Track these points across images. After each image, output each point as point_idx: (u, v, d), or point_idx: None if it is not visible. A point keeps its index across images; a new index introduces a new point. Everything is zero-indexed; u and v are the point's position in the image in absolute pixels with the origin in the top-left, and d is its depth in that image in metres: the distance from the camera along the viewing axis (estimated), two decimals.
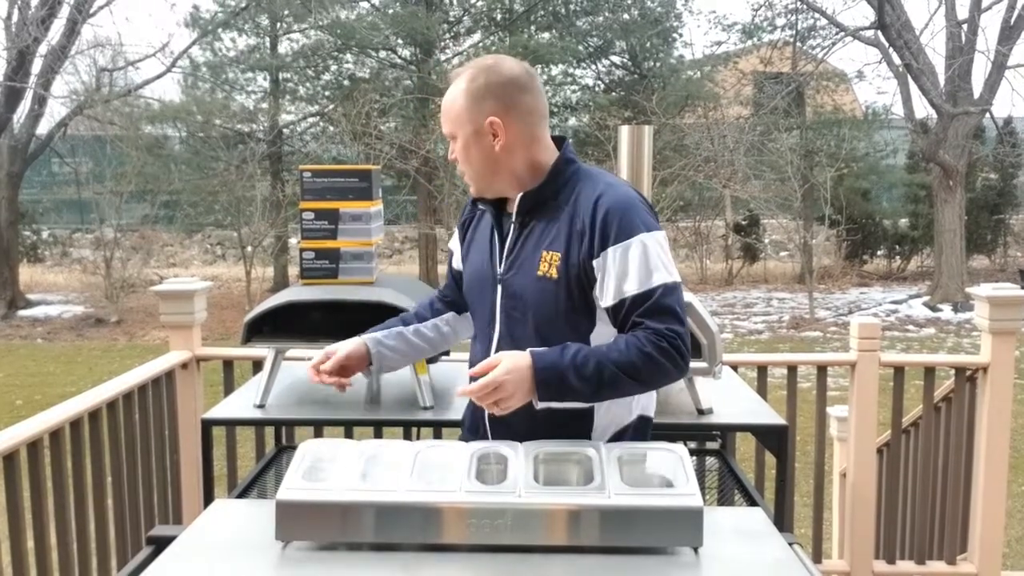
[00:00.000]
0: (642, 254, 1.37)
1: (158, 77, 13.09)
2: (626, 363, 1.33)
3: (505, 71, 1.44)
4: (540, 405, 1.36)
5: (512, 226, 1.48)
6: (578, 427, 1.45)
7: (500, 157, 1.44)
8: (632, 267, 1.37)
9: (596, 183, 1.44)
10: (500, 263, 1.49)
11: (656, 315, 1.36)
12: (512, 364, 1.32)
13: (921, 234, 13.94)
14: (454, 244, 1.66)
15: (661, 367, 1.34)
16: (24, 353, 9.52)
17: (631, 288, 1.37)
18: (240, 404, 2.13)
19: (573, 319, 1.42)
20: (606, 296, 1.39)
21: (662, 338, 1.34)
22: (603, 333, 1.43)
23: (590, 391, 1.34)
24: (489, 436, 1.52)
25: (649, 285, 1.36)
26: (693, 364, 1.94)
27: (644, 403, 1.53)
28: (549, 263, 1.41)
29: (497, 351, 1.45)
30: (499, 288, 1.48)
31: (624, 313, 1.38)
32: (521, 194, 1.46)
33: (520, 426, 1.41)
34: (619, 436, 1.48)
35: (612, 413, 1.48)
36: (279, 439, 2.61)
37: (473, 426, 1.58)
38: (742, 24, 14.10)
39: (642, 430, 1.52)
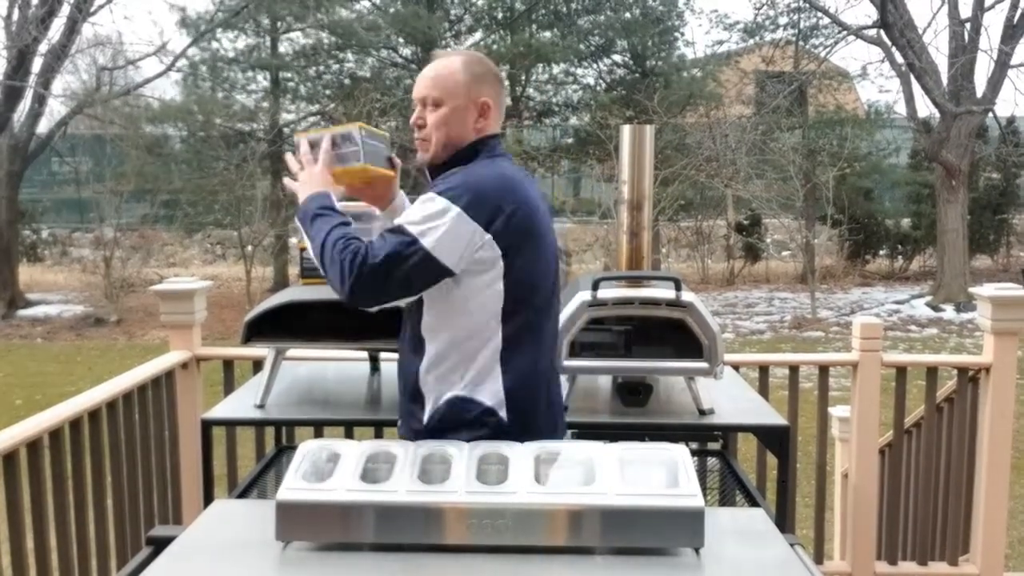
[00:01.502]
0: (421, 204, 1.49)
1: (158, 76, 13.11)
2: (326, 241, 1.48)
3: (496, 68, 1.65)
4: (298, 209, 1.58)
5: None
6: (417, 413, 1.58)
7: (468, 135, 1.59)
8: (410, 211, 1.50)
9: (479, 170, 1.56)
10: None
11: (380, 238, 1.48)
12: (313, 176, 1.60)
13: (923, 234, 13.92)
14: None
15: (336, 265, 1.45)
16: (24, 353, 9.53)
17: (399, 220, 1.50)
18: (240, 404, 2.13)
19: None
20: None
21: (359, 253, 1.44)
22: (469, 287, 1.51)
23: (311, 235, 1.53)
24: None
25: (400, 221, 1.48)
26: (694, 364, 1.94)
27: (489, 389, 1.54)
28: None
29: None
30: None
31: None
32: (429, 161, 1.62)
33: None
34: (444, 423, 1.55)
35: (432, 403, 1.56)
36: (279, 439, 2.61)
37: None
38: (744, 23, 14.12)
39: (454, 414, 1.53)
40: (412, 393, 1.58)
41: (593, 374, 2.16)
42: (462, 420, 1.52)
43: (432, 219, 1.45)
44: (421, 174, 1.65)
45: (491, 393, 1.52)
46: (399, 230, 1.46)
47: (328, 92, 14.22)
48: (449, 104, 1.57)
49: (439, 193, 1.47)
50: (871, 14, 11.97)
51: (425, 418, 1.56)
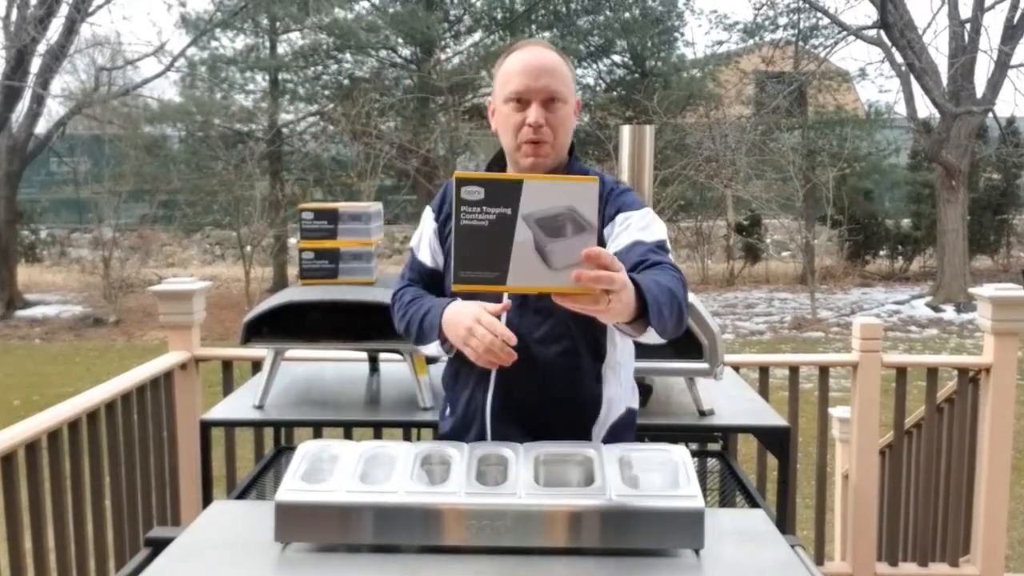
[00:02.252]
0: (653, 218, 1.44)
1: (157, 76, 13.12)
2: (681, 295, 1.30)
3: None
4: (634, 333, 1.28)
5: None
6: (585, 417, 1.47)
7: (572, 130, 1.47)
8: (644, 223, 1.41)
9: (590, 173, 1.50)
10: None
11: (663, 252, 1.37)
12: (626, 275, 1.16)
13: (924, 234, 13.93)
14: (427, 243, 1.55)
15: (687, 304, 1.32)
16: (22, 353, 9.52)
17: (643, 237, 1.39)
18: (239, 405, 2.13)
19: None
20: (617, 244, 1.40)
21: (683, 276, 1.35)
22: None
23: (668, 322, 1.25)
24: (488, 434, 1.47)
25: (654, 237, 1.40)
26: (694, 365, 1.94)
27: (632, 396, 1.57)
28: None
29: None
30: None
31: (637, 256, 1.35)
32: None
33: (526, 423, 1.42)
34: (616, 428, 1.50)
35: (616, 405, 1.50)
36: (278, 440, 2.61)
37: (464, 426, 1.51)
38: (744, 23, 14.13)
39: (632, 424, 1.56)
40: (584, 398, 1.47)
41: None
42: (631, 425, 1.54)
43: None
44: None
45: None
46: (667, 248, 1.41)
47: (327, 92, 14.23)
48: (570, 101, 1.44)
49: (636, 204, 1.44)
50: (871, 14, 12.01)
51: (599, 425, 1.48)
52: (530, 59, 1.41)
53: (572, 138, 1.50)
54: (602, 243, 1.42)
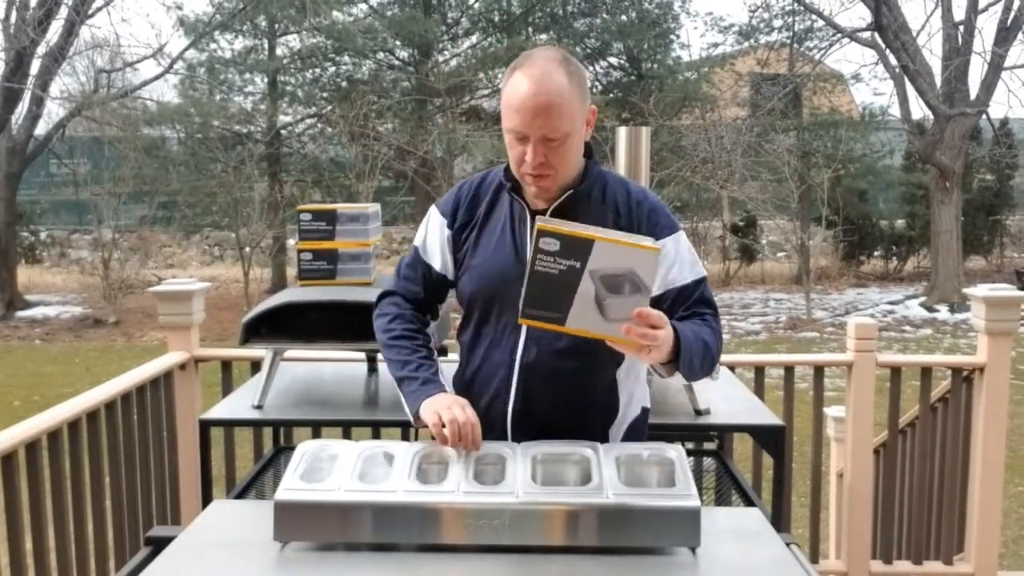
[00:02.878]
0: (688, 246, 1.48)
1: (156, 78, 13.10)
2: (714, 349, 1.40)
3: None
4: (664, 374, 1.37)
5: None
6: (603, 421, 1.50)
7: (582, 149, 1.44)
8: (680, 257, 1.45)
9: (618, 181, 1.51)
10: None
11: (706, 305, 1.45)
12: (670, 330, 1.29)
13: (918, 235, 13.96)
14: (439, 249, 1.53)
15: (720, 354, 1.43)
16: (22, 354, 9.50)
17: (681, 277, 1.44)
18: (238, 405, 2.13)
19: None
20: (667, 281, 1.44)
21: (720, 327, 1.45)
22: None
23: (696, 370, 1.37)
24: (509, 434, 1.48)
25: (696, 275, 1.46)
26: None
27: (645, 394, 1.59)
28: None
29: (525, 349, 1.45)
30: None
31: (671, 302, 1.43)
32: (571, 192, 1.44)
33: (546, 431, 1.43)
34: (632, 429, 1.53)
35: (631, 407, 1.53)
36: (277, 440, 2.61)
37: (484, 430, 1.49)
38: (739, 26, 14.15)
39: (646, 423, 1.58)
40: (603, 404, 1.50)
41: None
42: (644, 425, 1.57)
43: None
44: (519, 200, 1.46)
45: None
46: (706, 280, 1.48)
47: (325, 94, 14.22)
48: (575, 131, 1.38)
49: (670, 227, 1.46)
50: (865, 17, 12.03)
51: (617, 426, 1.51)
52: (528, 95, 1.33)
53: (588, 140, 1.46)
54: None
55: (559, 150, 1.37)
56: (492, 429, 1.48)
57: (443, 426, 1.33)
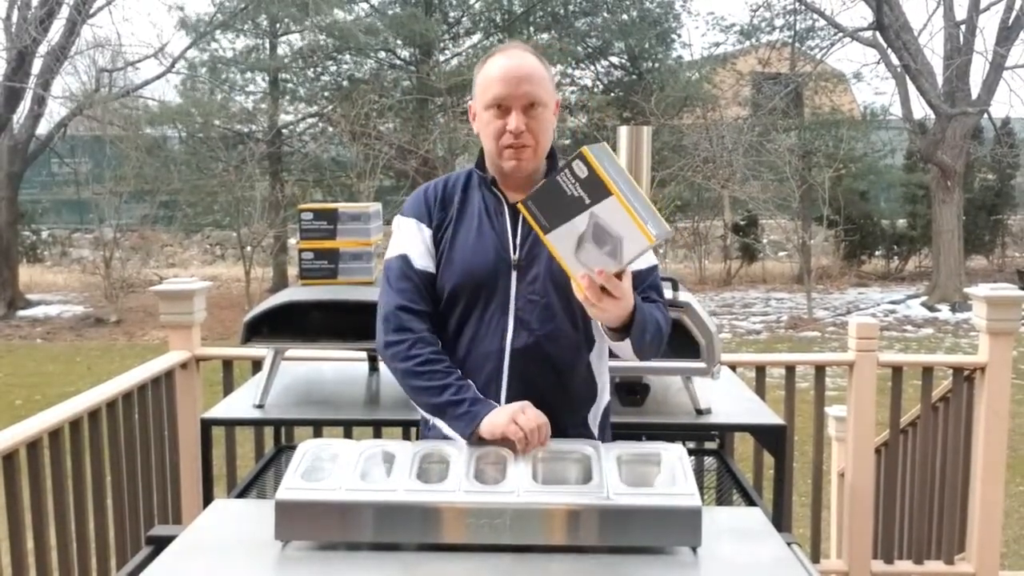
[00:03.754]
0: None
1: (157, 78, 13.09)
2: (664, 331, 1.48)
3: None
4: (613, 339, 1.41)
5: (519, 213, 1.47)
6: (585, 405, 1.56)
7: (552, 133, 1.50)
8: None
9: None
10: (515, 250, 1.49)
11: (657, 292, 1.53)
12: (631, 291, 1.34)
13: (919, 234, 13.95)
14: (423, 251, 1.52)
15: (666, 336, 1.50)
16: (23, 353, 9.51)
17: (648, 262, 1.52)
18: (239, 404, 2.14)
19: None
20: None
21: (667, 314, 1.52)
22: None
23: (646, 345, 1.42)
24: None
25: (648, 263, 1.52)
26: (691, 364, 1.95)
27: (608, 385, 1.65)
28: None
29: (514, 339, 1.47)
30: (514, 275, 1.49)
31: (645, 288, 1.50)
32: (544, 182, 1.45)
33: (537, 405, 1.44)
34: (605, 414, 1.61)
35: (604, 393, 1.60)
36: (278, 439, 2.61)
37: None
38: (740, 25, 14.13)
39: (609, 412, 1.64)
40: (585, 386, 1.55)
41: None
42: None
43: None
44: (494, 192, 1.51)
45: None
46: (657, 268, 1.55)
47: (326, 94, 14.22)
48: (550, 104, 1.47)
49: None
50: (867, 16, 12.01)
51: (594, 414, 1.57)
52: (509, 65, 1.44)
53: (553, 140, 1.53)
54: None
55: (538, 119, 1.45)
56: None
57: (525, 436, 1.34)
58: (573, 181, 1.25)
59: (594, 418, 1.57)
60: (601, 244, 1.26)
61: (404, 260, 1.52)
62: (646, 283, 1.49)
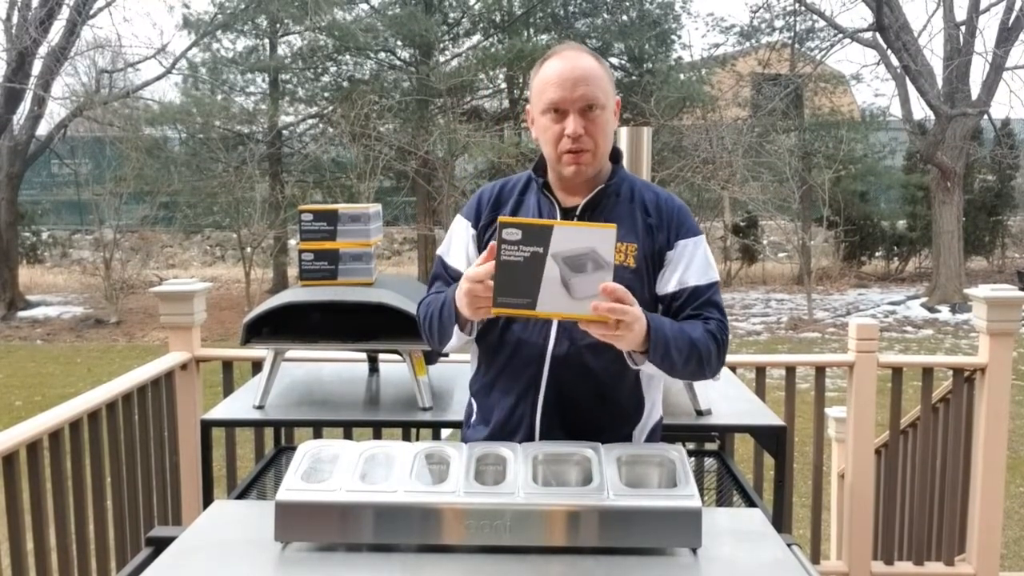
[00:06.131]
0: (705, 251, 1.50)
1: (157, 79, 13.10)
2: (704, 348, 1.41)
3: None
4: (637, 362, 1.38)
5: (575, 218, 1.47)
6: (629, 422, 1.52)
7: (612, 136, 1.47)
8: (697, 260, 1.48)
9: (645, 184, 1.54)
10: None
11: (714, 308, 1.46)
12: (640, 311, 1.31)
13: (919, 235, 13.96)
14: (463, 250, 1.54)
15: (719, 357, 1.44)
16: (23, 354, 9.51)
17: (693, 279, 1.46)
18: (239, 405, 2.14)
19: (642, 306, 1.42)
20: (668, 283, 1.46)
21: (724, 331, 1.45)
22: None
23: (678, 364, 1.38)
24: (537, 431, 1.48)
25: (708, 279, 1.48)
26: None
27: (660, 406, 1.61)
28: (625, 253, 1.45)
29: (556, 345, 1.45)
30: None
31: (683, 301, 1.46)
32: (601, 187, 1.47)
33: (575, 425, 1.44)
34: (652, 434, 1.57)
35: (653, 413, 1.56)
36: (278, 440, 2.61)
37: (506, 432, 1.50)
38: (740, 26, 14.17)
39: (660, 432, 1.61)
40: (629, 401, 1.52)
41: None
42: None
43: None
44: (549, 196, 1.48)
45: None
46: (719, 286, 1.50)
47: (326, 94, 14.22)
48: (609, 105, 1.43)
49: (693, 230, 1.49)
50: (867, 17, 12.02)
51: (640, 429, 1.53)
52: (565, 68, 1.40)
53: (615, 142, 1.50)
54: (660, 262, 1.47)
55: (597, 122, 1.41)
56: (520, 427, 1.48)
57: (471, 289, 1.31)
58: (514, 247, 1.24)
59: (640, 435, 1.53)
60: (581, 268, 1.25)
61: (440, 260, 1.58)
62: (703, 298, 1.45)
